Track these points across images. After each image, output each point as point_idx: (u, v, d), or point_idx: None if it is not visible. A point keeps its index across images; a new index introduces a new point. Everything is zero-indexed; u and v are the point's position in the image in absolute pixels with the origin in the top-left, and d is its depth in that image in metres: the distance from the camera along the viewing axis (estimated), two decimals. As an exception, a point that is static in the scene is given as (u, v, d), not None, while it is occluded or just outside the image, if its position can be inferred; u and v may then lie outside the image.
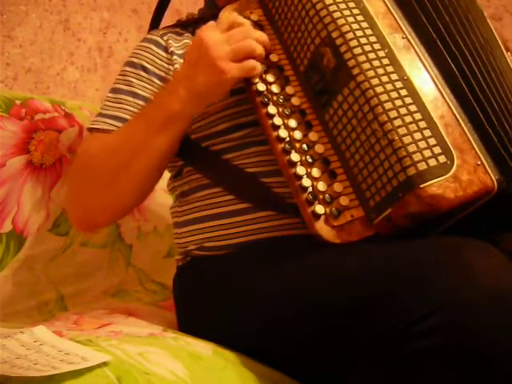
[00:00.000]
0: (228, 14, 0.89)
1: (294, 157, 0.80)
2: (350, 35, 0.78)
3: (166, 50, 1.00)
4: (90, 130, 0.99)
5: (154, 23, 1.11)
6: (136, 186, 0.93)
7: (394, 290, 0.67)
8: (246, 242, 0.89)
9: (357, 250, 0.76)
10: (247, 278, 0.85)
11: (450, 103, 0.77)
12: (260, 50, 0.85)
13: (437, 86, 0.78)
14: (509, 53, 0.93)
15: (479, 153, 0.75)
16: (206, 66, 0.83)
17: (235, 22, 0.86)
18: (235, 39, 0.84)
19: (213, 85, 0.84)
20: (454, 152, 0.73)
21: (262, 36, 0.86)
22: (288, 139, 0.81)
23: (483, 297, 0.62)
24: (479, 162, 0.74)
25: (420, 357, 0.63)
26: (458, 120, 0.76)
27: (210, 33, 0.85)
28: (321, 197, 0.77)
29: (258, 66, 0.84)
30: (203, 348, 0.79)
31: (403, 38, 0.79)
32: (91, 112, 1.23)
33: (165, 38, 1.01)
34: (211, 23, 0.88)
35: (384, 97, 0.75)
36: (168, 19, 1.12)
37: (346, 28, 0.78)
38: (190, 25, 1.05)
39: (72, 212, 0.99)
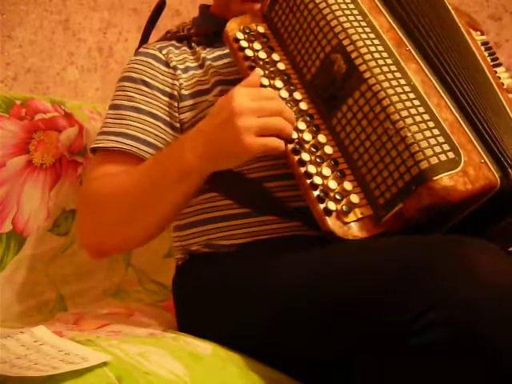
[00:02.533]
0: (234, 25, 0.90)
1: (305, 156, 0.81)
2: (360, 43, 0.82)
3: (167, 64, 0.99)
4: (94, 149, 0.97)
5: (147, 32, 1.10)
6: (149, 229, 0.92)
7: (394, 288, 0.67)
8: (248, 242, 0.90)
9: (357, 248, 0.77)
10: (247, 278, 0.85)
11: (452, 107, 0.82)
12: (288, 130, 0.82)
13: (438, 92, 0.83)
14: (478, 32, 1.02)
15: (482, 152, 0.80)
16: (230, 133, 0.80)
17: (267, 94, 0.83)
18: (266, 113, 0.81)
19: (232, 153, 0.81)
20: (460, 150, 0.77)
21: (290, 112, 0.83)
22: (297, 140, 0.83)
23: (483, 293, 0.62)
24: (483, 160, 0.79)
25: (420, 353, 0.64)
26: (459, 122, 0.81)
27: (241, 99, 0.80)
28: (331, 194, 0.79)
29: (282, 147, 0.81)
30: (203, 348, 0.79)
31: (406, 50, 0.85)
32: (91, 112, 1.23)
33: (164, 51, 1.01)
34: (257, 75, 0.85)
35: (395, 98, 0.79)
36: (167, 19, 1.13)
37: (356, 37, 0.83)
38: (185, 38, 1.04)
39: (83, 240, 0.97)
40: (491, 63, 0.96)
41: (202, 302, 0.91)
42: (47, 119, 1.13)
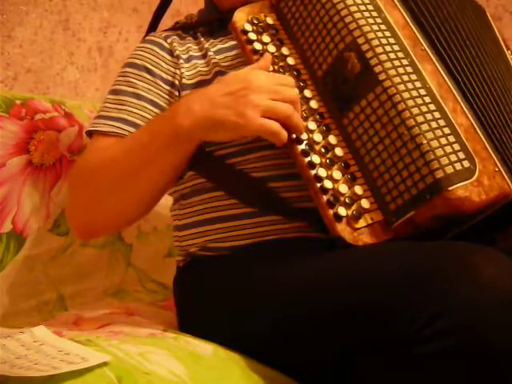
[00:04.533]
0: (242, 16, 0.89)
1: (315, 159, 0.80)
2: (375, 42, 0.80)
3: (171, 53, 0.99)
4: (90, 132, 0.96)
5: (154, 24, 1.10)
6: (138, 200, 0.90)
7: (405, 295, 0.66)
8: (251, 243, 0.89)
9: (364, 252, 0.76)
10: (249, 279, 0.85)
11: (467, 112, 0.80)
12: (295, 119, 0.80)
13: (454, 96, 0.81)
14: (509, 51, 0.97)
15: (496, 160, 0.78)
16: (238, 104, 0.79)
17: (285, 81, 0.82)
18: (279, 97, 0.80)
19: (230, 124, 0.79)
20: (475, 158, 0.76)
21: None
22: (307, 141, 0.81)
23: (491, 301, 0.62)
24: (497, 169, 0.78)
25: (426, 359, 0.63)
26: (475, 128, 0.79)
27: (260, 77, 0.81)
28: (342, 199, 0.78)
29: (282, 135, 0.79)
30: (203, 348, 0.79)
31: (422, 49, 0.82)
32: (91, 112, 1.23)
33: (168, 40, 1.00)
34: (267, 60, 0.85)
35: (411, 102, 0.77)
36: (168, 19, 1.12)
37: (371, 35, 0.80)
38: (190, 28, 1.04)
39: (72, 219, 0.96)
40: None
41: (202, 303, 0.91)
42: (47, 119, 1.13)
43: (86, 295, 1.15)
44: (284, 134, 0.80)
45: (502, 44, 0.91)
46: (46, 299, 1.10)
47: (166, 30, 1.05)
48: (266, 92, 0.79)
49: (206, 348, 0.79)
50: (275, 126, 0.79)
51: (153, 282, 1.27)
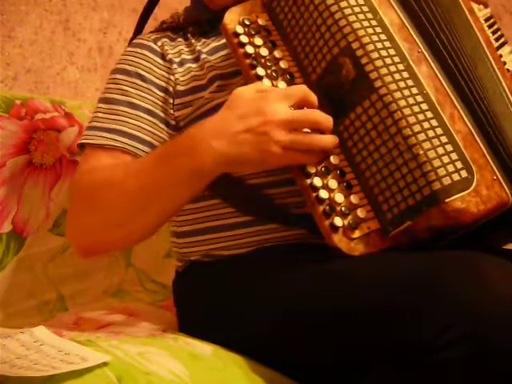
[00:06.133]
0: (233, 17, 0.86)
1: (310, 168, 0.78)
2: (370, 47, 0.77)
3: (162, 57, 0.95)
4: (83, 145, 0.93)
5: (140, 26, 1.06)
6: (149, 229, 0.88)
7: (415, 303, 0.66)
8: (250, 251, 0.88)
9: (369, 260, 0.76)
10: (249, 281, 0.84)
11: (465, 118, 0.78)
12: (323, 144, 0.78)
13: (452, 101, 0.79)
14: (481, 5, 0.95)
15: (494, 168, 0.77)
16: (259, 141, 0.76)
17: (306, 98, 0.79)
18: (302, 125, 0.78)
19: (255, 160, 0.78)
20: (473, 167, 0.75)
21: (327, 121, 0.78)
22: None
23: (502, 308, 0.62)
24: (495, 177, 0.76)
25: (442, 368, 0.63)
26: (473, 135, 0.78)
27: (278, 106, 0.77)
28: (338, 209, 0.77)
29: (312, 159, 0.78)
30: (203, 348, 0.79)
31: (419, 52, 0.80)
32: (91, 112, 1.22)
33: (159, 43, 0.96)
34: (281, 91, 0.80)
35: (407, 110, 0.75)
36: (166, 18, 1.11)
37: (366, 39, 0.78)
38: (179, 28, 1.00)
39: (76, 239, 0.92)
40: (495, 44, 0.90)
41: (202, 306, 0.91)
42: (47, 119, 1.13)
43: (85, 295, 1.15)
44: (312, 161, 0.78)
45: (475, 28, 0.87)
46: (46, 299, 1.10)
47: (153, 32, 1.01)
48: (286, 124, 0.76)
49: (205, 348, 0.79)
50: (301, 159, 0.78)
51: (153, 282, 1.27)
